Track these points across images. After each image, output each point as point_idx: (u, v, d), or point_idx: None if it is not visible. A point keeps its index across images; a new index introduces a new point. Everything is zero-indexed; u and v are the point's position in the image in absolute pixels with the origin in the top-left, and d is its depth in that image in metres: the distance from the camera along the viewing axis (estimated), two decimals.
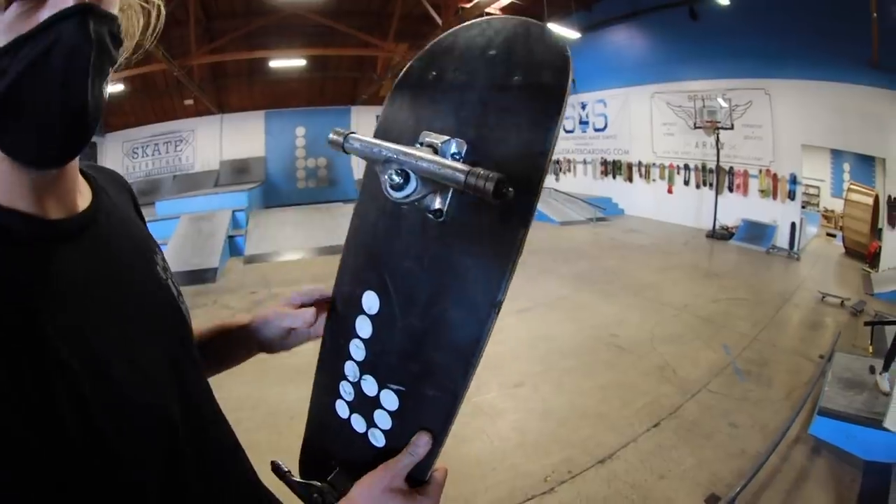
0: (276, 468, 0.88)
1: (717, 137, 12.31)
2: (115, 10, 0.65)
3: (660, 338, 5.95)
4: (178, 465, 0.70)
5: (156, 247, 0.89)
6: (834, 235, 12.89)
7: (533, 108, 0.67)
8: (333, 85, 19.01)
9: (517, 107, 0.68)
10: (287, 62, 16.10)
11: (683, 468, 3.58)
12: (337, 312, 0.92)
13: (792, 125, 11.06)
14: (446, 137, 0.72)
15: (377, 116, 0.82)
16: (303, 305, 1.01)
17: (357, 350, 0.84)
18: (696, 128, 13.09)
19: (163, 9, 0.84)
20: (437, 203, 0.71)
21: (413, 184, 0.69)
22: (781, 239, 11.07)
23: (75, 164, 0.73)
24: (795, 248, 10.75)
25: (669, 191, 14.13)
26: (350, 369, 0.85)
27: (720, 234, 12.05)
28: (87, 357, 0.61)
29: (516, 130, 0.67)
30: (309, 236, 11.84)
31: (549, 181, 17.83)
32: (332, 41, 14.92)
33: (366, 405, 0.83)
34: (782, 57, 10.74)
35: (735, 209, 12.20)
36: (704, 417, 4.25)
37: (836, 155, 13.51)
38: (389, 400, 0.80)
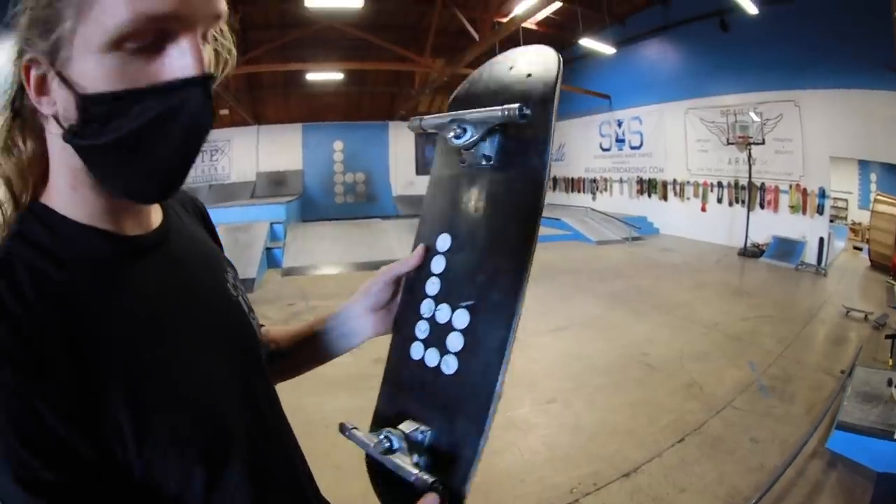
0: (342, 427, 0.93)
1: (749, 153, 12.22)
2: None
3: (689, 356, 6.03)
4: (231, 473, 0.72)
5: (227, 265, 0.94)
6: (860, 249, 12.78)
7: (539, 89, 0.92)
8: (371, 100, 18.99)
9: (528, 90, 0.93)
10: (324, 75, 16.09)
11: (704, 482, 3.69)
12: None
13: (820, 137, 10.99)
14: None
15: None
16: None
17: (432, 286, 0.96)
18: (728, 143, 13.01)
19: (234, 55, 0.89)
20: (487, 149, 0.94)
21: (469, 131, 0.94)
22: (810, 254, 11.01)
23: None
24: (823, 264, 10.68)
25: (703, 209, 14.06)
26: (426, 307, 0.95)
27: (751, 252, 12.01)
28: (150, 365, 0.66)
29: (531, 106, 0.88)
30: (347, 251, 11.94)
31: (587, 200, 17.87)
32: (367, 55, 15.01)
33: (440, 333, 0.92)
34: (808, 66, 10.72)
35: (766, 226, 12.13)
36: (728, 433, 4.33)
37: (863, 165, 13.38)
38: (461, 319, 0.89)
